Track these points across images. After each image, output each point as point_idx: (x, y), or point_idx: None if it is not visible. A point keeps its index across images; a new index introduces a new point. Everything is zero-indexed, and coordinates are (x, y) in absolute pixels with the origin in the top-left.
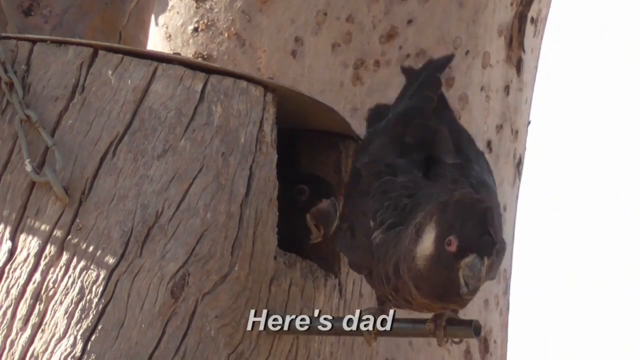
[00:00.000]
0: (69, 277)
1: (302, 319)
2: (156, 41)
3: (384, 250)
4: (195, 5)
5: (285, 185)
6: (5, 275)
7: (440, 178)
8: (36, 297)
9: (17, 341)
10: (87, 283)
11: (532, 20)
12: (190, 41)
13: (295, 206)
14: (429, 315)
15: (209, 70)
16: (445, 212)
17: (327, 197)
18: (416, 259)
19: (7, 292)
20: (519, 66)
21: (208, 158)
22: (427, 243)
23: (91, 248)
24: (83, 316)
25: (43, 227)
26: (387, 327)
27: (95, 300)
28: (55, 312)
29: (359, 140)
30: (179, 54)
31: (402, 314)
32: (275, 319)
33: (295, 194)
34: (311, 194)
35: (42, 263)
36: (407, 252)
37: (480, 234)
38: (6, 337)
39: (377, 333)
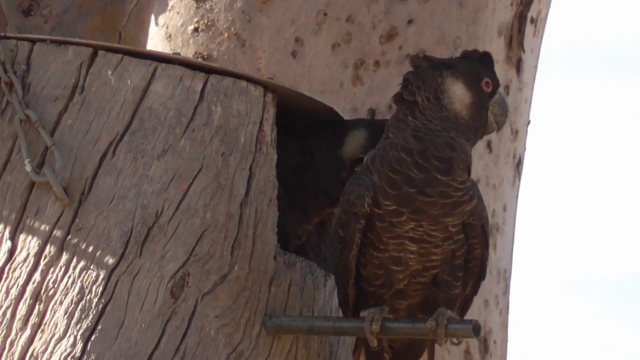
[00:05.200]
0: (69, 277)
1: (302, 319)
2: (156, 41)
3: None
4: (195, 5)
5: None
6: (5, 275)
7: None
8: (36, 297)
9: (16, 341)
10: (87, 283)
11: (532, 20)
12: (190, 41)
13: None
14: (428, 316)
15: (208, 70)
16: (461, 62)
17: None
18: (460, 113)
19: (7, 292)
20: (518, 66)
21: (208, 158)
22: (461, 93)
23: (91, 248)
24: (83, 316)
25: (43, 227)
26: (388, 326)
27: (95, 300)
28: (55, 312)
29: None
30: (178, 54)
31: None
32: (275, 319)
33: None
34: None
35: (42, 263)
36: (442, 118)
37: (492, 72)
38: (6, 337)
39: (377, 333)
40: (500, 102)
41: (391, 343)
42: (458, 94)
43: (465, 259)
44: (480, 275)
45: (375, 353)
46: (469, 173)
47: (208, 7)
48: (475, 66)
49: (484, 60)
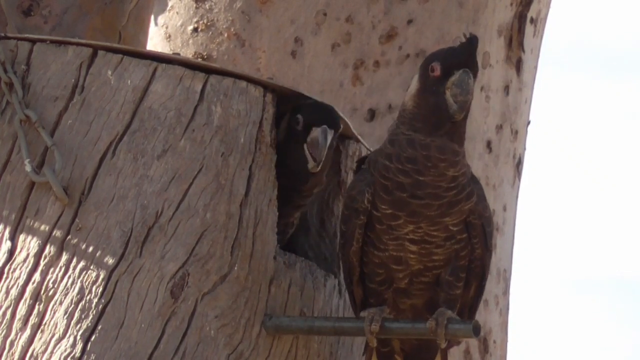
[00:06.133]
0: (69, 277)
1: (302, 319)
2: (156, 41)
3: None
4: (194, 5)
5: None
6: (4, 275)
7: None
8: (36, 297)
9: (16, 341)
10: (86, 283)
11: (532, 20)
12: (190, 41)
13: (297, 137)
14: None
15: (208, 71)
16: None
17: (319, 125)
18: (406, 105)
19: (7, 292)
20: (518, 66)
21: (208, 158)
22: (412, 85)
23: (91, 248)
24: (83, 316)
25: (43, 227)
26: (387, 327)
27: (95, 300)
28: (55, 313)
29: (358, 141)
30: (178, 54)
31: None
32: (275, 319)
33: (294, 124)
34: (306, 123)
35: (42, 263)
36: (399, 114)
37: (464, 52)
38: (6, 337)
39: (377, 333)
40: (459, 81)
41: (402, 346)
42: (410, 86)
43: (468, 260)
44: (483, 276)
45: (386, 354)
46: (446, 165)
47: (208, 7)
48: (436, 53)
49: (463, 44)
